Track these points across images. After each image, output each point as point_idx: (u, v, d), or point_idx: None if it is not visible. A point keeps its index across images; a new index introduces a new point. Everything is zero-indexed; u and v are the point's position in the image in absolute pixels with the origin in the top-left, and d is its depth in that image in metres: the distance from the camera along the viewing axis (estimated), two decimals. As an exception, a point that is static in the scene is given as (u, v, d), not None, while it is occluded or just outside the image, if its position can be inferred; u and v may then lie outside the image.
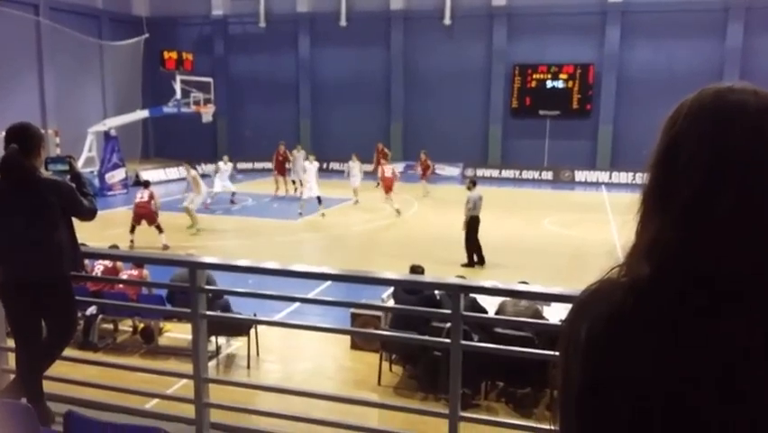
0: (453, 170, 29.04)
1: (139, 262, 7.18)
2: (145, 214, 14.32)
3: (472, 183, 13.34)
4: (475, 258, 12.89)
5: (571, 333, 0.95)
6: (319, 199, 18.21)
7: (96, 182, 20.96)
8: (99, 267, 7.81)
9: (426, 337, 4.34)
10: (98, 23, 30.61)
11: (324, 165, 30.16)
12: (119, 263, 7.74)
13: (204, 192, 16.92)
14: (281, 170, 22.70)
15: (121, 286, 7.66)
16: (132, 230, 14.15)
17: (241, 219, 18.72)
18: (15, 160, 3.96)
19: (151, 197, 14.44)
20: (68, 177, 4.37)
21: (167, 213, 17.52)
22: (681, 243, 0.89)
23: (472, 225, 12.82)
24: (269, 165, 24.24)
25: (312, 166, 18.97)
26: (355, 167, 21.08)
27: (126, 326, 7.98)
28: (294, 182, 21.67)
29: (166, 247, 13.81)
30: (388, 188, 19.12)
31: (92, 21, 30.18)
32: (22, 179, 3.98)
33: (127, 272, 7.78)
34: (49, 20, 27.07)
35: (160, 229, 14.31)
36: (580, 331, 0.93)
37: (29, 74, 27.12)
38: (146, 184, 15.15)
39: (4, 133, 4.11)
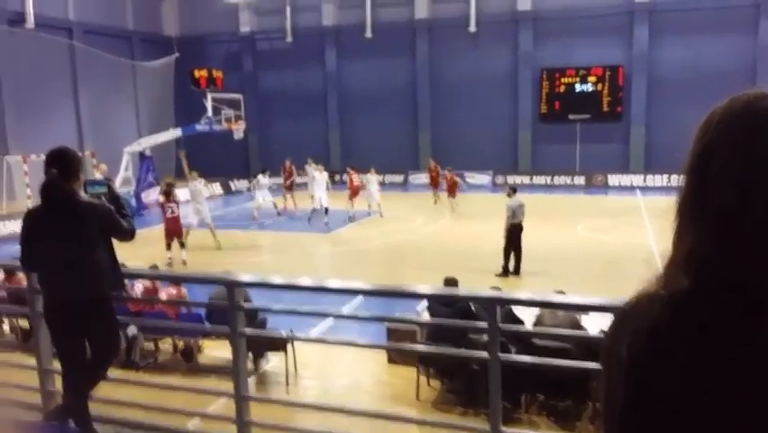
0: (483, 178, 28.89)
1: (177, 281, 7.30)
2: (177, 229, 14.44)
3: (512, 190, 13.02)
4: (511, 267, 12.68)
5: (612, 347, 0.96)
6: (326, 210, 18.78)
7: (133, 202, 21.40)
8: (139, 287, 7.95)
9: (463, 351, 4.31)
10: (130, 44, 31.43)
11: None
12: (158, 283, 7.88)
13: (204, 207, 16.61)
14: (288, 185, 22.88)
15: (160, 305, 7.79)
16: (168, 247, 14.33)
17: (272, 234, 18.90)
18: (55, 184, 4.06)
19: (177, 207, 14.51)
20: (107, 199, 4.48)
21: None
22: (716, 253, 0.88)
23: (512, 233, 12.57)
24: (298, 179, 24.44)
25: (321, 176, 19.45)
26: (372, 180, 20.86)
27: (167, 344, 8.10)
28: (312, 196, 21.68)
29: (184, 263, 14.06)
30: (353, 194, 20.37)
31: (124, 42, 31.01)
32: (62, 202, 4.08)
33: (166, 291, 7.91)
34: (82, 43, 27.88)
35: (182, 244, 14.45)
36: (621, 346, 0.93)
37: (65, 97, 27.96)
38: (168, 193, 14.68)
39: (44, 158, 4.24)
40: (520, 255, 12.65)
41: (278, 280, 5.15)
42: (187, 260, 14.35)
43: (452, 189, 21.50)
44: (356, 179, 20.86)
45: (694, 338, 0.87)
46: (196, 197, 16.15)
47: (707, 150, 0.94)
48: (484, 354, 3.79)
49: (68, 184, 4.09)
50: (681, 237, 0.96)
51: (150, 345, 7.94)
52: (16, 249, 4.32)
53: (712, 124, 0.96)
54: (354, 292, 4.65)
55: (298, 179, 23.20)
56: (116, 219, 4.22)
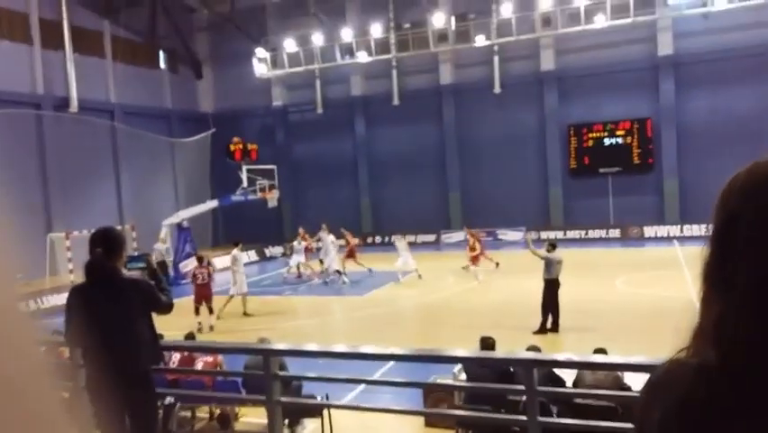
0: (516, 235, 28.69)
1: (214, 351, 7.37)
2: (206, 294, 14.80)
3: (551, 246, 12.83)
4: (549, 325, 12.43)
5: (643, 417, 0.95)
6: (338, 272, 19.61)
7: (171, 272, 21.80)
8: (176, 356, 8.04)
9: (501, 415, 4.23)
10: (168, 121, 32.82)
11: (386, 239, 30.59)
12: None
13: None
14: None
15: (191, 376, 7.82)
16: (197, 312, 14.58)
17: (307, 298, 18.98)
18: (100, 263, 4.25)
19: (210, 275, 14.94)
20: (146, 274, 4.65)
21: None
22: (745, 326, 0.86)
23: (548, 289, 12.40)
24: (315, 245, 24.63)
25: (329, 237, 20.11)
26: (401, 245, 20.62)
27: (203, 412, 8.10)
28: (321, 261, 21.71)
29: (211, 328, 14.36)
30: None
31: (162, 120, 32.41)
32: (105, 280, 4.26)
33: (202, 360, 7.97)
34: (123, 123, 29.22)
35: (211, 310, 14.71)
36: (652, 416, 0.93)
37: (107, 175, 29.13)
38: (200, 259, 15.75)
39: (89, 236, 4.45)
40: (557, 312, 12.39)
41: (312, 347, 5.19)
42: (215, 325, 14.61)
43: (475, 259, 18.87)
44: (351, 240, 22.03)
45: (725, 413, 0.85)
46: (236, 264, 16.45)
47: (730, 218, 0.92)
48: (523, 417, 3.72)
49: (111, 262, 4.28)
50: (708, 305, 0.93)
51: (186, 413, 7.94)
52: (59, 322, 4.47)
53: (734, 191, 0.94)
54: (389, 358, 4.64)
55: (315, 245, 23.08)
56: (157, 294, 4.38)
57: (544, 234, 28.19)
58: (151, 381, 4.47)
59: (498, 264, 20.64)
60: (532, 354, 3.63)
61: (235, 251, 16.71)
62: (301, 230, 23.09)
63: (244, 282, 16.39)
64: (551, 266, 12.39)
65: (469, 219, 29.33)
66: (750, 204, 0.91)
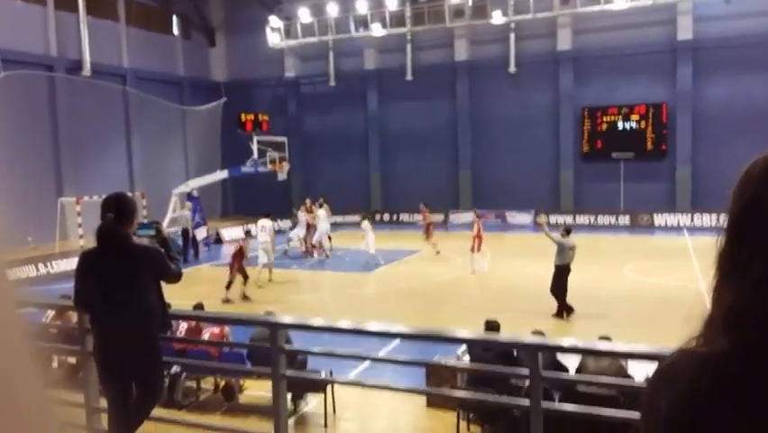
0: (525, 218, 28.61)
1: (221, 322, 7.42)
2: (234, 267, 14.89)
3: (566, 231, 12.59)
4: (565, 308, 12.33)
5: (651, 405, 0.95)
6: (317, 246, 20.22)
7: (180, 242, 21.91)
8: (183, 325, 8.11)
9: (504, 398, 4.25)
10: (180, 89, 32.70)
11: (395, 216, 30.54)
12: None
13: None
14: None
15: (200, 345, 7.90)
16: (229, 286, 14.67)
17: (315, 273, 19.07)
18: (111, 228, 4.26)
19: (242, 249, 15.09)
20: (156, 241, 4.67)
21: (249, 268, 18.06)
22: (758, 315, 0.86)
23: (559, 274, 12.29)
24: (339, 219, 24.71)
25: (320, 212, 20.70)
26: (366, 226, 19.81)
27: (208, 383, 8.20)
28: (330, 237, 21.91)
29: (226, 301, 14.35)
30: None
31: (174, 88, 32.29)
32: (116, 246, 4.27)
33: (209, 330, 8.04)
34: (135, 89, 29.15)
35: (229, 285, 14.70)
36: (660, 406, 0.92)
37: (118, 141, 29.16)
38: (248, 234, 16.36)
39: (100, 201, 4.45)
40: (565, 298, 12.32)
41: (318, 322, 5.21)
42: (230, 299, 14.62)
43: (478, 242, 17.96)
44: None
45: (733, 400, 0.85)
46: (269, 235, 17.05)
47: (747, 206, 0.92)
48: (526, 401, 3.73)
49: (122, 228, 4.28)
50: (721, 294, 0.93)
51: (191, 384, 8.04)
52: (68, 287, 4.50)
53: (752, 178, 0.93)
54: (394, 336, 4.66)
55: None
56: (167, 263, 4.39)
57: (553, 219, 28.15)
58: (159, 348, 4.51)
59: (438, 252, 20.35)
60: (537, 339, 3.63)
61: (267, 222, 17.16)
62: (308, 201, 23.04)
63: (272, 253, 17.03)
64: (563, 252, 12.26)
65: (478, 199, 29.20)
66: (766, 193, 0.90)
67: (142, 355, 4.34)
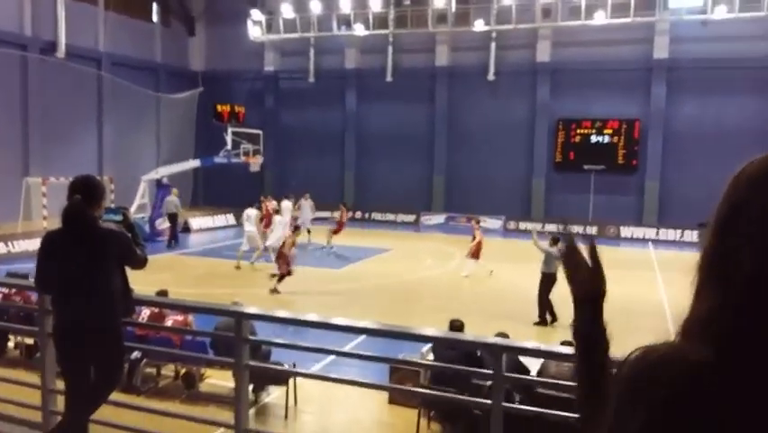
0: (495, 223, 28.88)
1: (185, 310, 7.34)
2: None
3: (554, 241, 12.54)
4: (548, 317, 12.47)
5: (624, 411, 0.90)
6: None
7: (147, 228, 21.59)
8: (146, 312, 8.00)
9: (466, 398, 4.29)
10: (156, 76, 32.23)
11: (366, 215, 30.54)
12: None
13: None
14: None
15: (165, 331, 7.81)
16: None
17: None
18: (78, 210, 4.17)
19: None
20: (123, 226, 4.59)
21: (216, 259, 17.95)
22: (743, 320, 0.84)
23: (544, 282, 12.41)
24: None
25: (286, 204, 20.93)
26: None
27: (169, 370, 8.10)
28: (309, 231, 22.10)
29: (274, 291, 14.58)
30: None
31: (150, 74, 31.81)
32: (83, 228, 4.19)
33: (172, 318, 7.95)
34: (110, 74, 28.63)
35: (281, 278, 14.78)
36: (635, 412, 0.88)
37: (89, 125, 28.61)
38: (296, 229, 16.79)
39: (68, 183, 4.37)
40: (551, 306, 12.41)
41: (284, 314, 5.18)
42: (279, 289, 14.75)
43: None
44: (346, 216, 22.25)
45: (719, 414, 0.82)
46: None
47: (735, 210, 0.90)
48: (487, 401, 3.77)
49: (89, 210, 4.20)
50: (701, 296, 0.91)
51: (151, 370, 7.94)
52: (29, 267, 4.40)
53: (741, 183, 0.93)
54: (359, 331, 4.67)
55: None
56: (133, 248, 4.33)
57: (522, 225, 28.50)
58: (120, 333, 4.44)
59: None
60: (502, 340, 3.67)
61: (253, 211, 18.15)
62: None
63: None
64: (550, 260, 12.34)
65: (450, 203, 29.35)
66: (755, 197, 0.89)
67: (103, 339, 4.27)
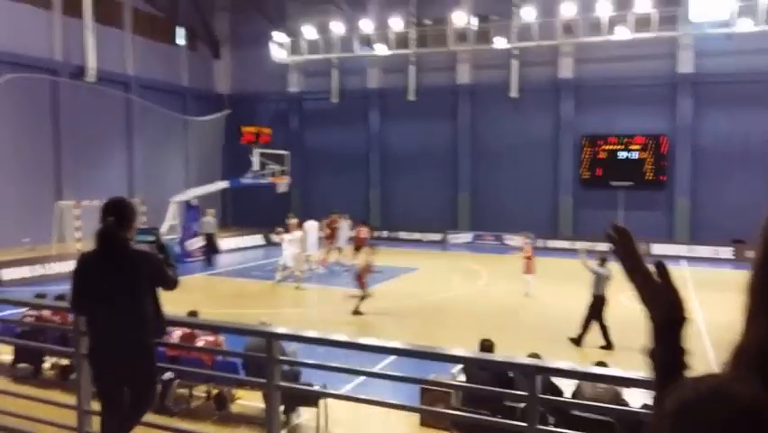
0: (523, 241, 28.59)
1: (215, 330, 7.39)
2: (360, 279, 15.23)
3: (602, 260, 12.19)
4: (601, 340, 11.87)
5: None
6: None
7: (177, 249, 21.86)
8: (177, 332, 8.07)
9: (500, 420, 4.23)
10: (183, 99, 32.86)
11: (393, 234, 30.59)
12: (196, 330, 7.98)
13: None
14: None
15: (197, 352, 7.86)
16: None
17: (309, 287, 18.99)
18: (111, 232, 4.26)
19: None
20: (155, 248, 4.66)
21: (246, 280, 18.05)
22: None
23: (594, 304, 11.93)
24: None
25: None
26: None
27: (201, 391, 8.14)
28: (339, 250, 22.29)
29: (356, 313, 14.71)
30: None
31: (177, 97, 32.44)
32: (115, 250, 4.27)
33: (204, 339, 8.00)
34: (138, 97, 29.27)
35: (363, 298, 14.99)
36: None
37: (119, 147, 29.22)
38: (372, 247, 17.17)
39: (101, 205, 4.46)
40: (605, 328, 11.80)
41: (313, 333, 5.18)
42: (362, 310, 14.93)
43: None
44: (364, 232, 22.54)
45: None
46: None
47: None
48: (522, 424, 3.72)
49: (122, 232, 4.28)
50: (752, 324, 0.88)
51: (184, 391, 7.98)
52: (63, 289, 4.49)
53: None
54: (388, 351, 4.64)
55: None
56: (165, 270, 4.39)
57: (551, 243, 28.20)
58: (153, 354, 4.49)
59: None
60: (535, 361, 3.63)
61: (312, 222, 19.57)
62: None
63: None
64: (599, 281, 11.91)
65: (477, 221, 29.28)
66: None
67: (137, 360, 4.32)
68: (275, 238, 20.25)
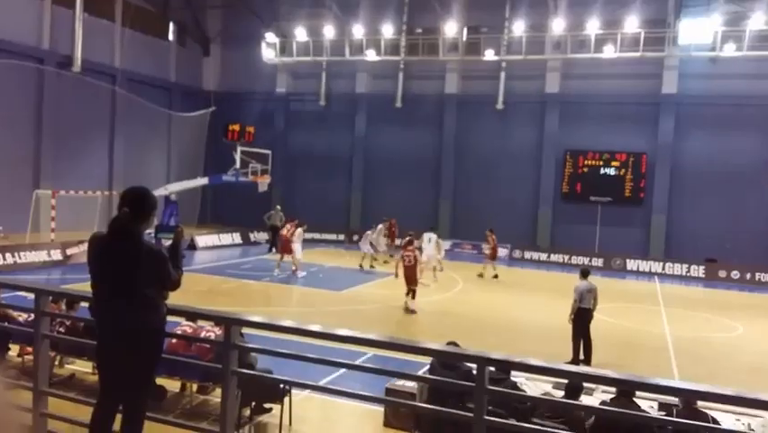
0: (501, 251, 28.74)
1: (175, 314, 7.31)
2: (410, 276, 15.18)
3: (582, 274, 12.05)
4: (581, 356, 11.60)
5: None
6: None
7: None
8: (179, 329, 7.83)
9: (449, 410, 4.27)
10: (169, 94, 32.72)
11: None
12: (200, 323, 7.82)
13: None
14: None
15: (192, 348, 7.63)
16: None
17: (285, 287, 18.95)
18: (123, 224, 4.24)
19: (416, 258, 15.52)
20: (168, 246, 4.66)
21: (220, 277, 18.02)
22: None
23: (579, 318, 11.60)
24: (317, 236, 24.90)
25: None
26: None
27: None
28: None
29: (413, 312, 15.02)
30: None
31: (163, 92, 32.30)
32: (125, 242, 4.24)
33: (209, 330, 7.74)
34: (124, 89, 29.09)
35: (413, 293, 15.17)
36: None
37: (101, 139, 28.99)
38: (410, 242, 16.35)
39: (121, 193, 4.42)
40: (589, 345, 11.59)
41: (262, 319, 5.16)
42: (416, 309, 15.15)
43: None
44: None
45: None
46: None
47: None
48: (471, 415, 3.75)
49: (135, 224, 4.25)
50: None
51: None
52: (34, 278, 4.46)
53: None
54: (358, 341, 4.65)
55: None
56: (168, 270, 4.35)
57: (528, 254, 28.42)
58: (152, 340, 4.38)
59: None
60: (485, 352, 3.67)
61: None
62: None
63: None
64: (583, 294, 11.67)
65: (456, 229, 29.46)
66: None
67: (135, 344, 4.26)
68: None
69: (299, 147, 33.63)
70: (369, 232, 23.46)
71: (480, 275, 22.16)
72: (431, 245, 20.69)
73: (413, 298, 15.25)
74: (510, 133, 29.86)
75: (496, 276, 21.88)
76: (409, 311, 15.17)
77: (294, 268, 20.08)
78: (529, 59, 28.43)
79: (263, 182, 25.88)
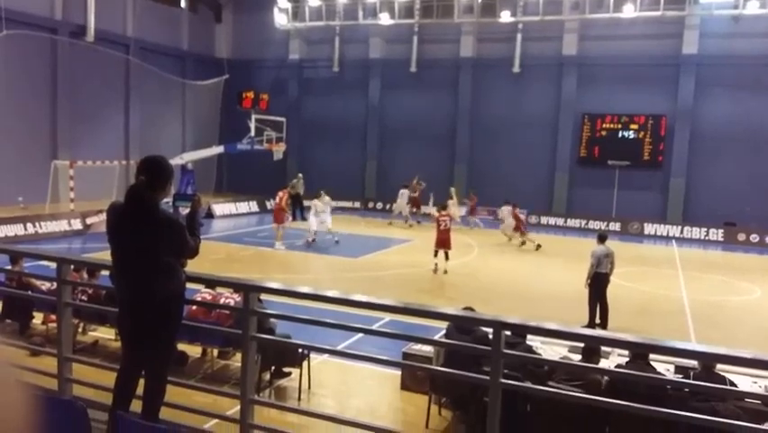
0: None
1: (194, 281, 7.44)
2: (444, 239, 16.00)
3: (600, 238, 11.90)
4: (597, 320, 11.61)
5: None
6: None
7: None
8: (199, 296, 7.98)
9: (466, 373, 4.32)
10: (183, 63, 32.59)
11: (387, 206, 30.65)
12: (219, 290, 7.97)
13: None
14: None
15: (213, 315, 7.80)
16: (436, 254, 16.05)
17: (302, 255, 19.07)
18: (140, 192, 4.23)
19: (450, 220, 16.62)
20: (186, 215, 4.69)
21: (237, 245, 18.16)
22: None
23: (595, 283, 11.51)
24: (332, 203, 24.74)
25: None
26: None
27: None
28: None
29: (445, 271, 15.85)
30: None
31: (177, 61, 32.17)
32: (141, 210, 4.24)
33: (228, 296, 7.90)
34: (138, 59, 29.03)
35: (447, 256, 15.91)
36: None
37: (116, 109, 29.06)
38: (444, 207, 17.80)
39: (138, 162, 4.43)
40: (606, 309, 11.53)
41: (277, 285, 5.21)
42: (449, 270, 15.94)
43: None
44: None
45: None
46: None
47: None
48: (487, 378, 3.79)
49: (152, 194, 4.25)
50: None
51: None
52: (55, 247, 4.53)
53: None
54: (375, 306, 4.68)
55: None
56: (186, 239, 4.36)
57: (544, 219, 28.29)
58: (168, 307, 4.40)
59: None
60: (501, 316, 3.68)
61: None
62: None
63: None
64: (600, 259, 11.54)
65: (472, 194, 29.28)
66: None
67: (156, 316, 4.33)
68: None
69: (313, 114, 33.48)
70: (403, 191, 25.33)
71: (523, 243, 21.41)
72: (509, 217, 21.86)
73: (446, 259, 15.94)
74: (527, 96, 29.44)
75: (523, 243, 21.28)
76: (442, 272, 15.90)
77: (311, 238, 19.97)
78: (546, 19, 27.83)
79: (278, 150, 25.89)
